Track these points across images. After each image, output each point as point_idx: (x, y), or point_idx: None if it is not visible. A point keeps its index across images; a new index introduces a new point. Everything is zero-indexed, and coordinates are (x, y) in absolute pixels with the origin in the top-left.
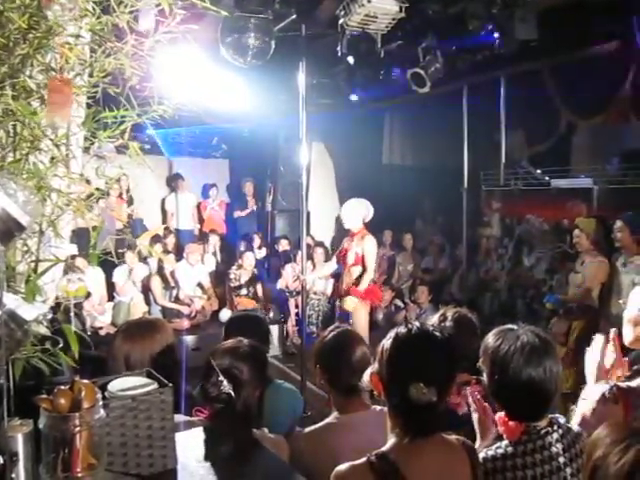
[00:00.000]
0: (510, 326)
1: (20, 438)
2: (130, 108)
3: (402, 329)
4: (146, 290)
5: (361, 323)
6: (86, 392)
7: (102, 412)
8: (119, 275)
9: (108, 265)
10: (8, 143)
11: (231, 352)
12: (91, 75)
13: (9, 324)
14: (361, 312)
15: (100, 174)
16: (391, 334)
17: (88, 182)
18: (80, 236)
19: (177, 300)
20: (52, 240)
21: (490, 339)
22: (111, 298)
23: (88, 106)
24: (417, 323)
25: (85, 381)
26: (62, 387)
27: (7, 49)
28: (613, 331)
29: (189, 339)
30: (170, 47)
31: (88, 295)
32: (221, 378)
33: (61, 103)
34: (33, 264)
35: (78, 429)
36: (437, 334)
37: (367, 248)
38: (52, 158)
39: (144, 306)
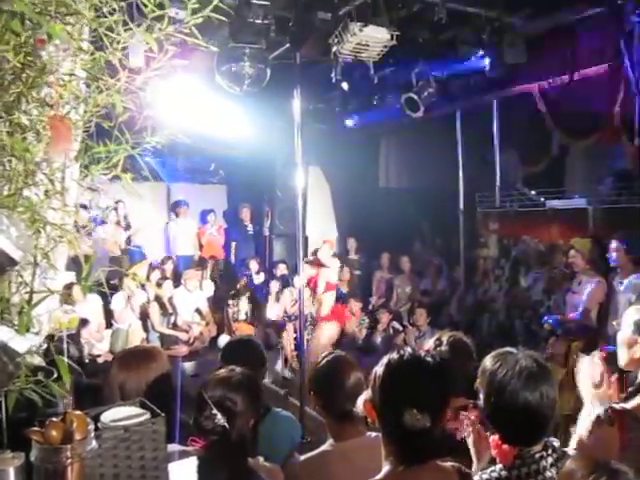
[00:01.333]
0: (509, 349)
1: (12, 471)
2: (123, 140)
3: (394, 355)
4: (144, 317)
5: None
6: (78, 423)
7: (94, 443)
8: (117, 302)
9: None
10: (2, 177)
11: (223, 383)
12: (84, 110)
13: (1, 357)
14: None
15: (95, 205)
16: (383, 360)
17: (85, 207)
18: (78, 263)
19: (175, 327)
20: (47, 271)
21: (488, 362)
22: (109, 325)
23: (82, 139)
24: (409, 349)
25: (77, 412)
26: (54, 419)
27: (2, 87)
28: (597, 354)
29: (187, 365)
30: (164, 79)
31: (85, 322)
32: (214, 411)
33: (61, 140)
34: (27, 295)
35: (70, 461)
36: (429, 360)
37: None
38: (46, 191)
39: (142, 333)
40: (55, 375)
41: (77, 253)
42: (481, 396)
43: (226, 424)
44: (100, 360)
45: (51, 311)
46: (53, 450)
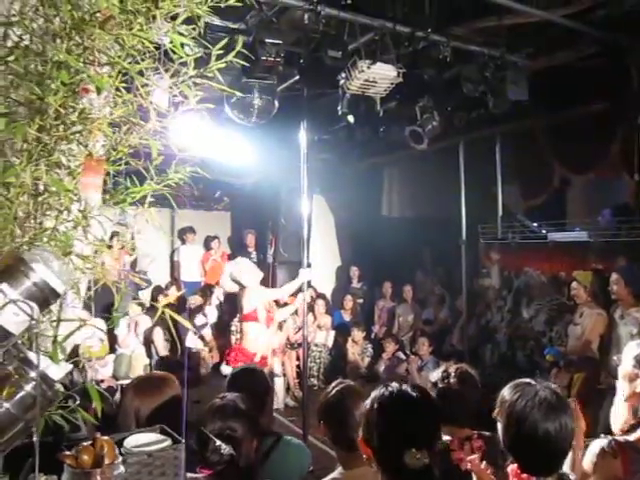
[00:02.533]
0: (527, 380)
1: None
2: (148, 177)
3: (382, 393)
4: (148, 342)
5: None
6: (107, 448)
7: (122, 468)
8: (121, 327)
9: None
10: (35, 211)
11: (220, 413)
12: (115, 149)
13: (41, 385)
14: None
15: (120, 239)
16: (373, 399)
17: (110, 247)
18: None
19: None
20: (74, 301)
21: (507, 392)
22: (112, 350)
23: (112, 176)
24: (395, 385)
25: (105, 438)
26: (85, 444)
27: (44, 130)
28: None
29: (190, 392)
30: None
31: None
32: (218, 443)
33: (95, 180)
34: (54, 324)
35: None
36: (416, 394)
37: None
38: (75, 225)
39: (145, 359)
40: (78, 401)
41: (108, 283)
42: (499, 426)
43: (233, 452)
44: (104, 385)
45: (81, 340)
46: (84, 474)
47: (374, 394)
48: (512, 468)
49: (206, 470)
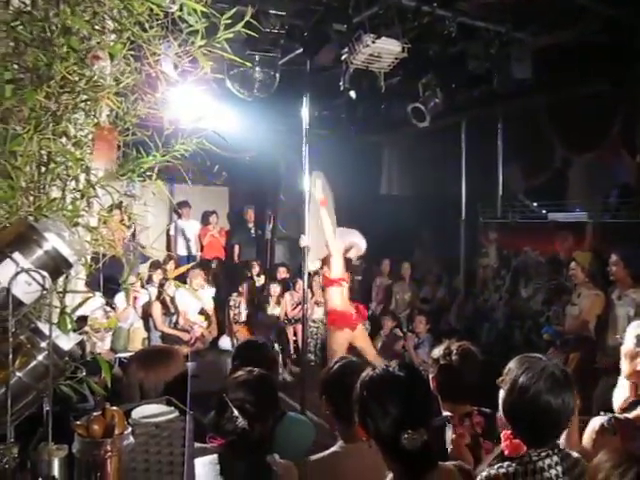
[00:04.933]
0: (537, 355)
1: (56, 462)
2: (153, 148)
3: (371, 377)
4: (146, 316)
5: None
6: (118, 419)
7: (131, 438)
8: (119, 301)
9: (108, 290)
10: (42, 182)
11: (244, 385)
12: (121, 119)
13: (53, 355)
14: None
15: (126, 212)
16: (361, 384)
17: (122, 222)
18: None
19: (177, 327)
20: (81, 273)
21: (514, 363)
22: None
23: (118, 147)
24: (381, 367)
25: (115, 408)
26: (95, 414)
27: (51, 98)
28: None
29: (188, 366)
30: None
31: (86, 320)
32: (236, 414)
33: (107, 150)
34: (60, 295)
35: (110, 454)
36: (405, 374)
37: None
38: (82, 195)
39: (144, 332)
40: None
41: (117, 254)
42: (501, 393)
43: (247, 426)
44: None
45: (90, 312)
46: (95, 444)
47: (362, 377)
48: (505, 432)
49: (216, 441)
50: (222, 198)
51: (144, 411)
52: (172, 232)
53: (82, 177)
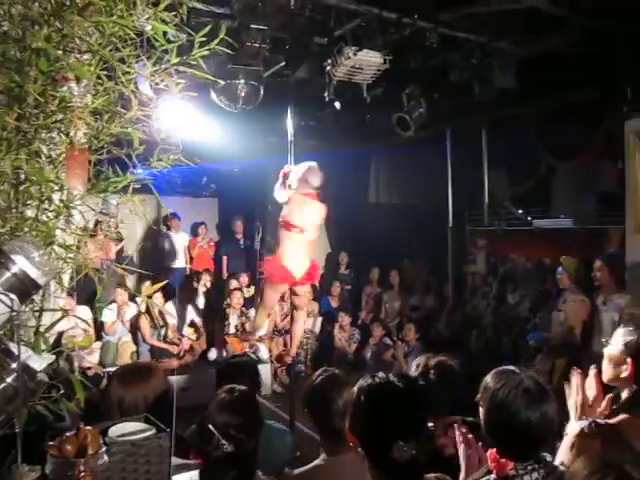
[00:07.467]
0: (511, 368)
1: None
2: (130, 165)
3: (369, 383)
4: (134, 329)
5: None
6: (91, 438)
7: (105, 458)
8: (108, 314)
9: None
10: (16, 201)
11: (227, 408)
12: (97, 138)
13: (23, 376)
14: None
15: (105, 228)
16: (360, 389)
17: (93, 236)
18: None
19: (166, 340)
20: (57, 291)
21: (491, 379)
22: (99, 337)
23: (93, 165)
24: (382, 376)
25: (89, 427)
26: (68, 434)
27: (24, 118)
28: (593, 368)
29: (178, 379)
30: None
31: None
32: (223, 442)
33: (79, 170)
34: (37, 314)
35: (83, 474)
36: (404, 386)
37: None
38: (57, 214)
39: (132, 346)
40: (62, 391)
41: (90, 273)
42: (481, 410)
43: (233, 448)
44: (90, 373)
45: (57, 328)
46: (68, 464)
47: (361, 384)
48: (491, 452)
49: (198, 459)
50: (211, 209)
51: (122, 429)
52: (160, 244)
53: (56, 196)
